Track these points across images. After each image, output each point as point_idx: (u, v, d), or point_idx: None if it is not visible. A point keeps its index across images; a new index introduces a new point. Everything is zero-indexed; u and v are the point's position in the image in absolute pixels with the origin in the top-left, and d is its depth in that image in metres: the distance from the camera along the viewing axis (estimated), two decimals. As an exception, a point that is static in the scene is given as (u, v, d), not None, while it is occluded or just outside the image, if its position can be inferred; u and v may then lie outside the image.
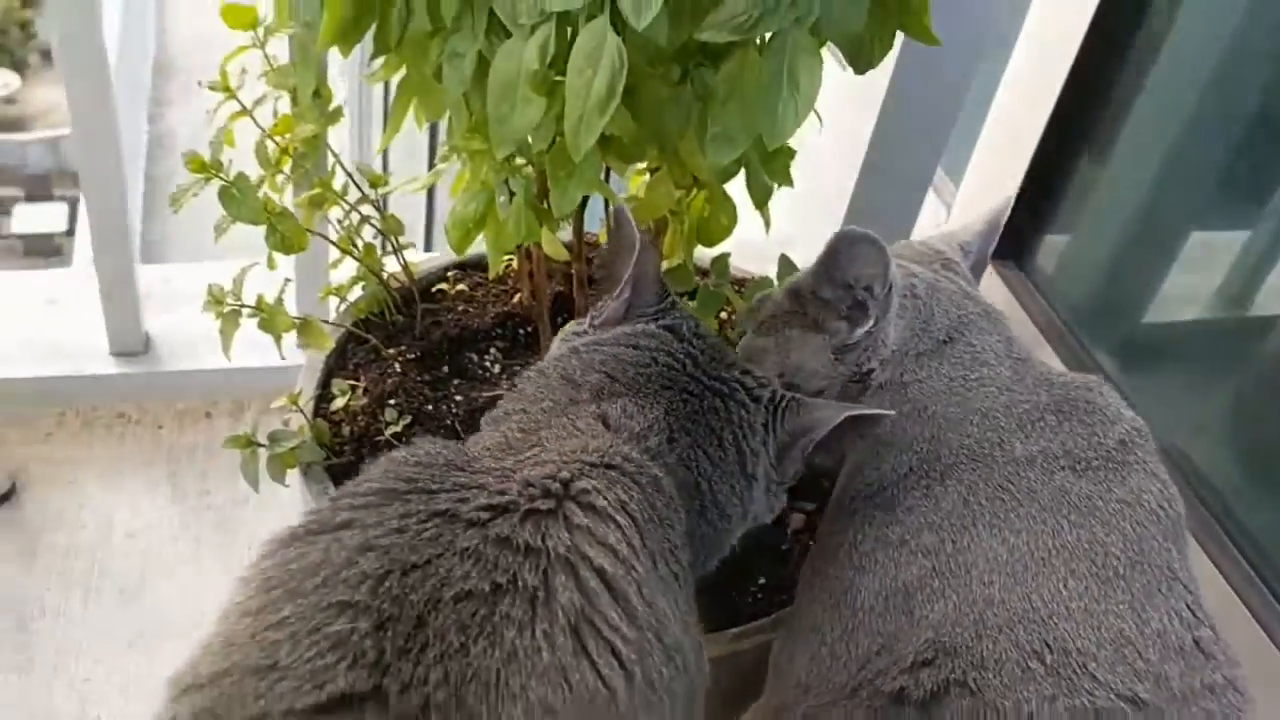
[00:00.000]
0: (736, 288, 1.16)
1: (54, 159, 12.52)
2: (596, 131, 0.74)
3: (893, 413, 0.77)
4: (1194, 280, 1.48)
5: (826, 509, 0.87)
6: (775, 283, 1.15)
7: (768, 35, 0.75)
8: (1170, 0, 1.37)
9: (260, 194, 0.99)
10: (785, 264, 1.12)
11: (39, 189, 12.51)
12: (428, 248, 2.07)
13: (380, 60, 0.94)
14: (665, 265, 1.11)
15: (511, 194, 0.95)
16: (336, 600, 0.55)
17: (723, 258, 1.15)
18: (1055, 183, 1.48)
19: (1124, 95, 1.42)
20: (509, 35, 0.77)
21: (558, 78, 0.75)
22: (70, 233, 11.44)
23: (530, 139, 0.83)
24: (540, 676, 0.55)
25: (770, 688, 0.82)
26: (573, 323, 0.84)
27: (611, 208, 0.84)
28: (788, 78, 0.76)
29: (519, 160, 0.92)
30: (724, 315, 1.22)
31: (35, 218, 12.05)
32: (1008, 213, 0.96)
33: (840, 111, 1.34)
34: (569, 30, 0.74)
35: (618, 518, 0.63)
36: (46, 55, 14.01)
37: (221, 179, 0.95)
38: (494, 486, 0.62)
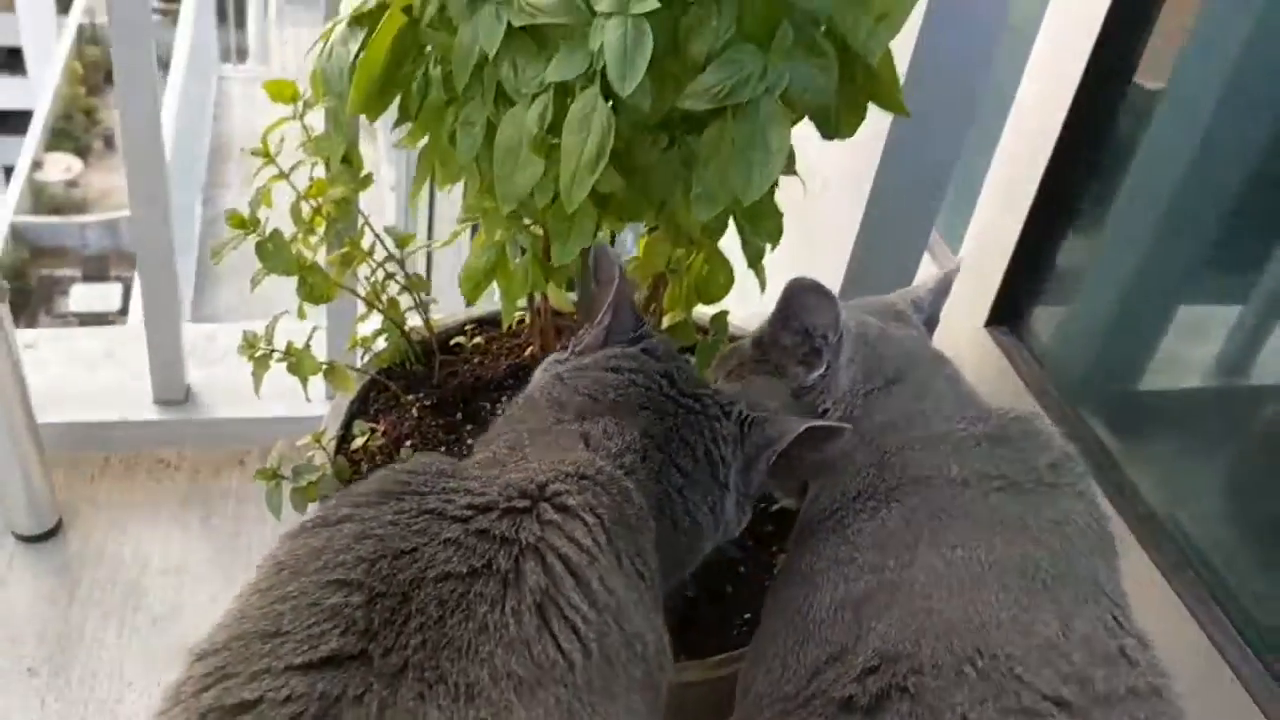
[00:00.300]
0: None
1: (112, 240, 12.95)
2: (587, 187, 0.83)
3: (849, 426, 0.84)
4: (1189, 350, 1.51)
5: (790, 537, 0.93)
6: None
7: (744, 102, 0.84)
8: (1150, 91, 1.45)
9: (294, 250, 1.09)
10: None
11: (96, 270, 12.94)
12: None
13: (406, 127, 1.04)
14: (667, 320, 1.20)
15: (521, 250, 1.05)
16: (334, 579, 0.62)
17: (721, 315, 1.23)
18: (1046, 252, 1.54)
19: (1111, 168, 1.48)
20: (513, 104, 0.87)
21: (555, 140, 0.84)
22: (124, 311, 11.80)
23: (535, 196, 0.92)
24: (506, 646, 0.62)
25: (736, 706, 0.87)
26: (553, 354, 0.92)
27: (594, 247, 0.92)
28: (760, 142, 0.84)
29: (525, 220, 1.01)
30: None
31: (91, 297, 12.47)
32: (957, 275, 1.03)
33: (840, 178, 1.43)
34: (565, 99, 0.84)
35: (586, 517, 0.70)
36: (109, 141, 14.59)
37: (258, 235, 1.05)
38: (478, 490, 0.69)
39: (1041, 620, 0.73)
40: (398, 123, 1.00)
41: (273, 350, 1.07)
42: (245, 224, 1.04)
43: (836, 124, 0.95)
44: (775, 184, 1.01)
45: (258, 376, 1.07)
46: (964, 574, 0.76)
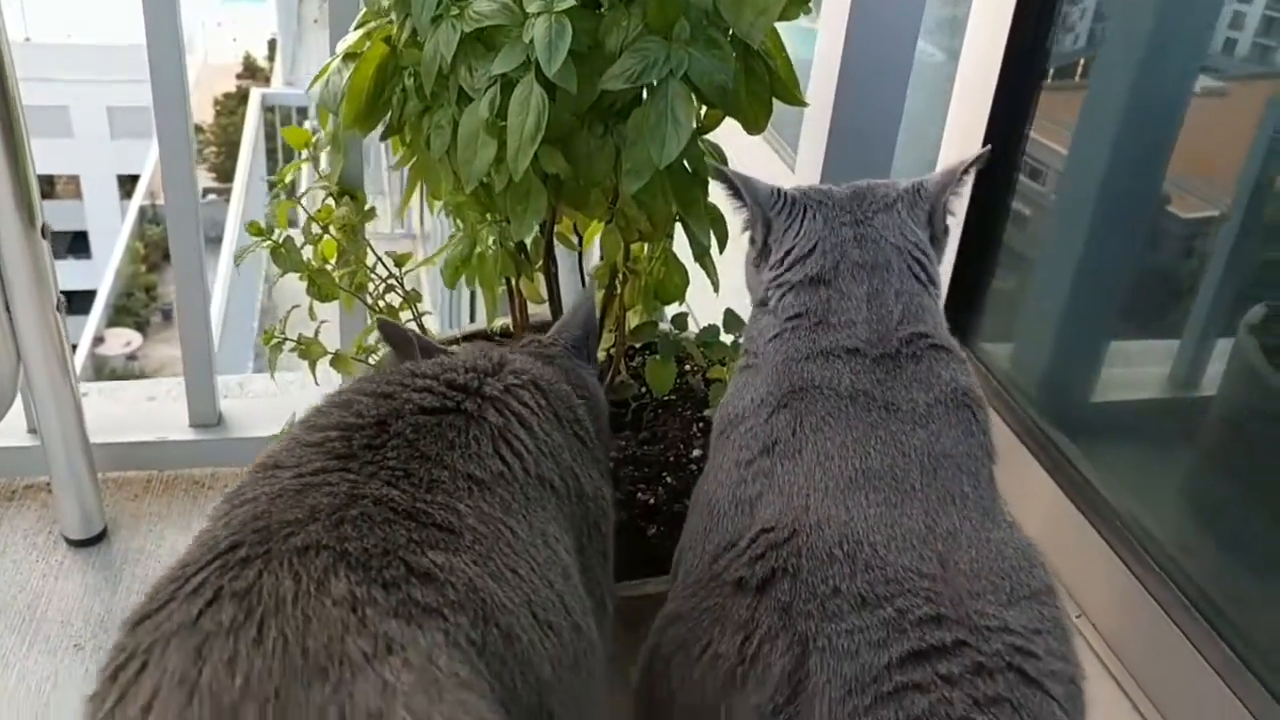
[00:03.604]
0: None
1: (168, 410, 13.36)
2: (529, 156, 1.02)
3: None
4: (1132, 370, 1.59)
5: (710, 436, 1.07)
6: (721, 332, 1.39)
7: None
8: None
9: (305, 258, 1.29)
10: (730, 316, 1.35)
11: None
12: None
13: (398, 155, 1.25)
14: (631, 317, 1.37)
15: (491, 243, 1.24)
16: (314, 424, 0.80)
17: (681, 315, 1.40)
18: (985, 265, 1.68)
19: (1025, 195, 1.64)
20: (470, 102, 1.07)
21: (503, 124, 1.04)
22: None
23: (494, 179, 1.10)
24: (467, 458, 0.79)
25: (670, 586, 1.00)
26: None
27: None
28: (670, 116, 1.03)
29: (492, 214, 1.20)
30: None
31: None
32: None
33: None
34: (509, 89, 1.03)
35: (530, 386, 0.90)
36: (167, 315, 15.24)
37: (273, 241, 1.25)
38: (445, 360, 0.88)
39: (907, 515, 0.86)
40: (383, 136, 1.20)
41: (285, 338, 1.26)
42: (262, 232, 1.24)
43: (744, 114, 1.13)
44: (705, 186, 1.19)
45: (272, 362, 1.26)
46: (839, 479, 0.88)
